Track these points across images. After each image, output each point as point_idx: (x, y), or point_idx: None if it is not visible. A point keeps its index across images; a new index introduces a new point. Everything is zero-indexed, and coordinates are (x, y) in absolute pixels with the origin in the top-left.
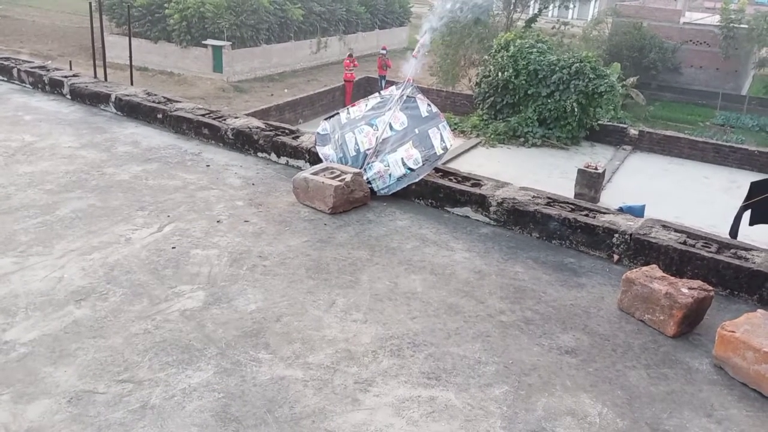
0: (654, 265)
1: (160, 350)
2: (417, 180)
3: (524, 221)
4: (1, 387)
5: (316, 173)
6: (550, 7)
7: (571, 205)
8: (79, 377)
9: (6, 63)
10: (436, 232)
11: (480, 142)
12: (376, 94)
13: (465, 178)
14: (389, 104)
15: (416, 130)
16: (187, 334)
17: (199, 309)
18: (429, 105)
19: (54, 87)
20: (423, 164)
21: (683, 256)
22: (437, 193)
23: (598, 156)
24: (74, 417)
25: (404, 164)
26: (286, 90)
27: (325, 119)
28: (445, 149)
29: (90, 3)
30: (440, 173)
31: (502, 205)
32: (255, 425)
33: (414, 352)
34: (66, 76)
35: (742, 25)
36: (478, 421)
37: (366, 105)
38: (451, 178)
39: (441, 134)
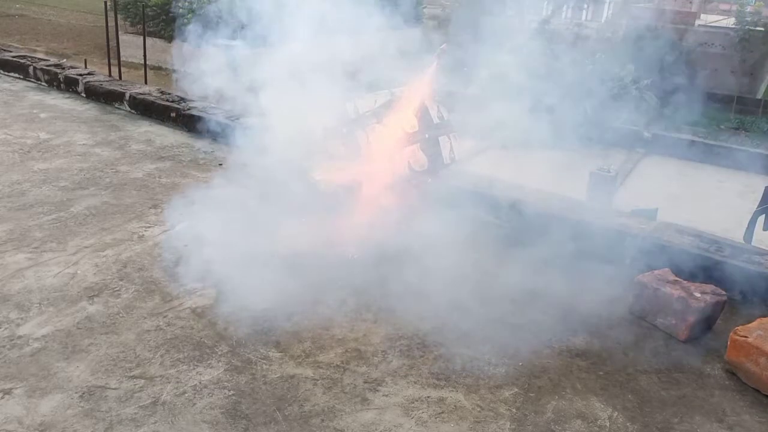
0: (667, 269)
1: (171, 347)
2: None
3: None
4: (15, 381)
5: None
6: (563, 9)
7: None
8: (91, 372)
9: (22, 61)
10: None
11: (491, 144)
12: (388, 91)
13: None
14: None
15: (426, 135)
16: (198, 332)
17: (210, 306)
18: (440, 111)
19: (69, 85)
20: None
21: (696, 260)
22: None
23: (610, 158)
24: (86, 412)
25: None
26: None
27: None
28: (452, 159)
29: (105, 2)
30: None
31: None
32: (265, 423)
33: (424, 352)
34: (81, 74)
35: (758, 28)
36: (487, 422)
37: (375, 101)
38: None
39: (450, 143)
